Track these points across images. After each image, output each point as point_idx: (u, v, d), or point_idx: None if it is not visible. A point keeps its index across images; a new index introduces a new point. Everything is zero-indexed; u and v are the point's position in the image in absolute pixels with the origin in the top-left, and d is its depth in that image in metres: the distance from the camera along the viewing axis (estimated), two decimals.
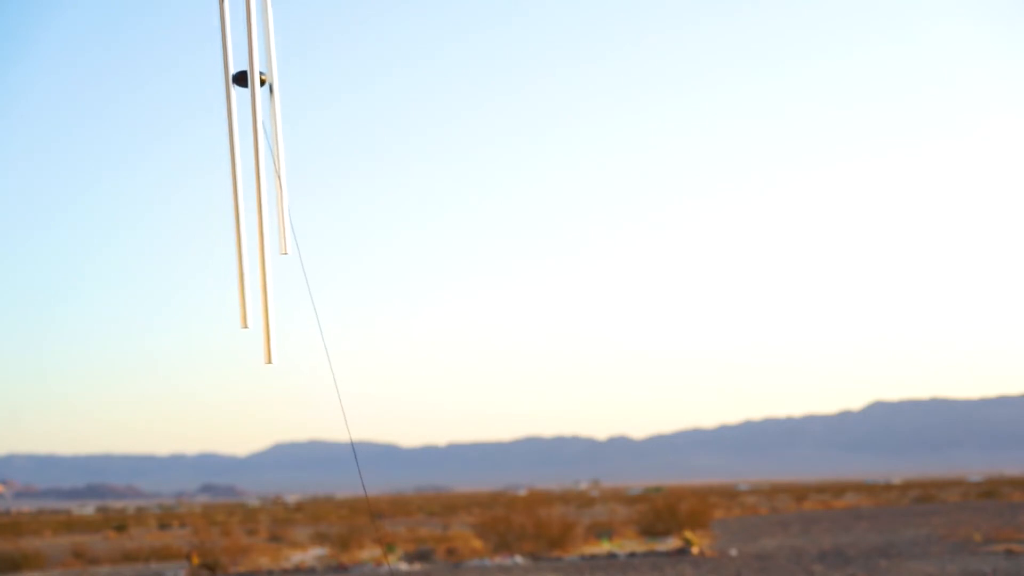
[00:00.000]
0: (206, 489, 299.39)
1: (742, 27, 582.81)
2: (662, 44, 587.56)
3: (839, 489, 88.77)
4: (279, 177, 3.79)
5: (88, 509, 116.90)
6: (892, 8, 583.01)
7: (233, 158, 3.69)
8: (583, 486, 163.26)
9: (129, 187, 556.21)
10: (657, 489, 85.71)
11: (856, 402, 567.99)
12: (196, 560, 25.84)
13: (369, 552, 28.94)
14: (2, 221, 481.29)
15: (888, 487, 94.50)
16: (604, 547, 27.61)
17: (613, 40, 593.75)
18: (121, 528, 54.03)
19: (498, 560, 24.79)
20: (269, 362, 3.59)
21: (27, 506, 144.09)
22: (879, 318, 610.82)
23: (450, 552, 27.19)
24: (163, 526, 57.86)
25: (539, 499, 40.37)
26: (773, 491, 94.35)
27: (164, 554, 31.62)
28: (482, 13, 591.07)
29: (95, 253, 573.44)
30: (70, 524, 65.26)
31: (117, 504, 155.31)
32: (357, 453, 4.45)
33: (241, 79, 3.74)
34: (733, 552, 24.39)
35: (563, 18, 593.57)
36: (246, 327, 3.61)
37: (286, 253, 3.75)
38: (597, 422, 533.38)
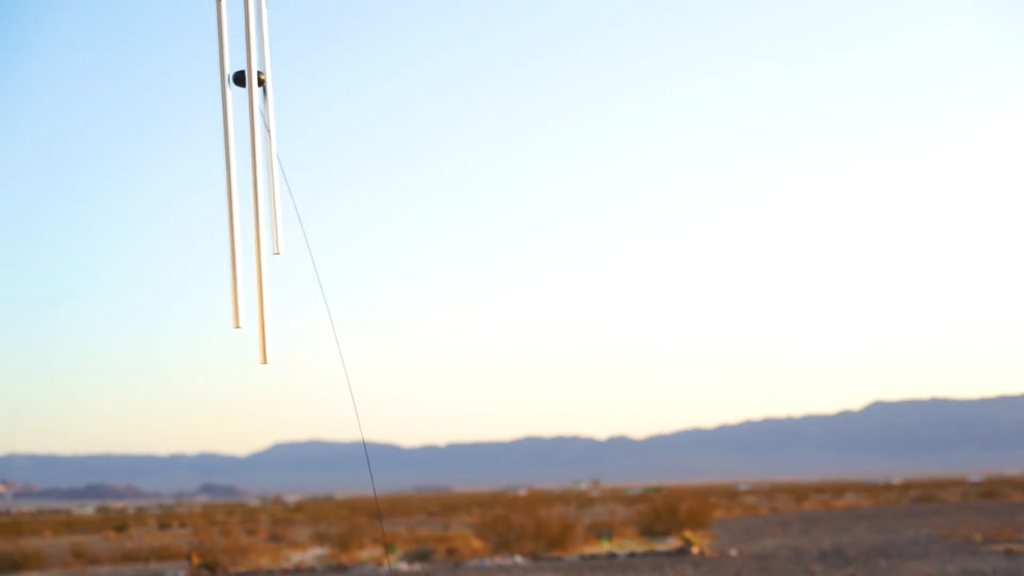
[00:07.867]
0: (206, 489, 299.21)
1: (742, 27, 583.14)
2: (662, 44, 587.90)
3: (839, 489, 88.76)
4: (274, 176, 3.78)
5: (88, 509, 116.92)
6: (893, 9, 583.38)
7: (228, 157, 3.69)
8: (583, 486, 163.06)
9: (130, 187, 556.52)
10: (657, 489, 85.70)
11: (856, 402, 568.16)
12: (196, 560, 25.85)
13: (369, 552, 28.96)
14: (2, 222, 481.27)
15: (888, 487, 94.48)
16: (604, 547, 27.61)
17: (614, 41, 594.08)
18: (121, 528, 54.04)
19: (498, 560, 24.79)
20: (265, 362, 3.59)
21: (27, 506, 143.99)
22: (879, 318, 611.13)
23: (450, 552, 27.20)
24: (163, 526, 57.88)
25: (539, 499, 40.35)
26: (773, 491, 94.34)
27: (164, 554, 31.64)
28: (482, 14, 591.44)
29: (95, 253, 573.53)
30: (70, 524, 65.27)
31: (117, 504, 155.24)
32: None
33: (239, 79, 3.74)
34: (733, 552, 24.38)
35: (562, 19, 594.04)
36: (238, 327, 3.61)
37: (279, 253, 3.73)
38: (597, 422, 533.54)
